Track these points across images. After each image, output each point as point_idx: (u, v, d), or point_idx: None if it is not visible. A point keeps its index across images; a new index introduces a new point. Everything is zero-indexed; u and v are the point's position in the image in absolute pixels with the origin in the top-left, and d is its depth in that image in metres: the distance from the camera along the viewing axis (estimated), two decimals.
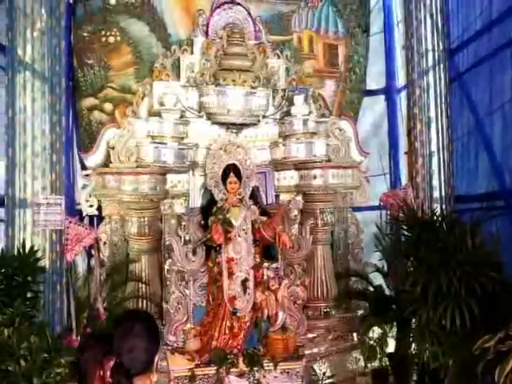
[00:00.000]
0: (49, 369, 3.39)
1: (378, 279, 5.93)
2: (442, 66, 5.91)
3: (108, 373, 1.91)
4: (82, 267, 5.62)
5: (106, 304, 5.30)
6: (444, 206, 5.58)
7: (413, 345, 4.62)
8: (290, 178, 6.43)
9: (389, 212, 5.89)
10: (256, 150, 6.30)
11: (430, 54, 6.01)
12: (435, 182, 5.82)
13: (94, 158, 5.98)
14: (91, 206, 5.96)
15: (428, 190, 5.83)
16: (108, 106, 6.51)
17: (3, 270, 4.00)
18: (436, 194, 5.82)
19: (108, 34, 6.57)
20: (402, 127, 7.12)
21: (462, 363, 3.98)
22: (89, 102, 6.51)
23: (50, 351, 3.49)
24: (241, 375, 4.98)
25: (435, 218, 4.89)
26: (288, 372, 5.13)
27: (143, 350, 1.98)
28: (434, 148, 5.91)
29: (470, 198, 5.53)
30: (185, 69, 6.31)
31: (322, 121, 6.42)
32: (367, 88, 7.61)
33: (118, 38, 6.58)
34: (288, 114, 6.35)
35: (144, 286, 5.77)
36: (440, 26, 5.92)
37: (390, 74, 7.70)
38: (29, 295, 4.03)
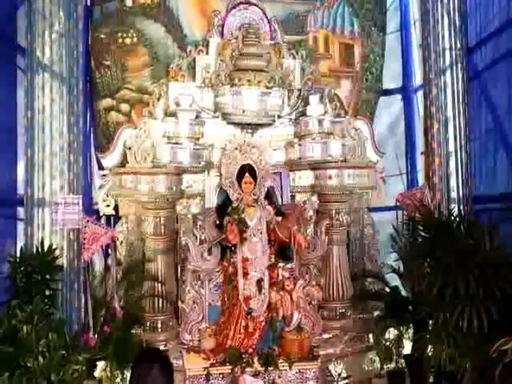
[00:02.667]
0: (66, 365, 3.43)
1: (394, 280, 5.90)
2: (459, 64, 5.86)
3: None
4: (98, 266, 5.66)
5: (122, 303, 5.34)
6: (462, 207, 5.54)
7: (429, 347, 4.57)
8: (305, 178, 6.41)
9: (405, 212, 5.85)
10: (271, 150, 6.29)
11: (448, 53, 5.96)
12: (453, 183, 5.77)
13: (111, 158, 6.02)
14: (108, 205, 5.99)
15: (445, 191, 5.78)
16: (125, 107, 6.57)
17: (22, 268, 4.06)
18: (453, 194, 5.77)
19: (125, 35, 6.63)
20: (419, 127, 7.07)
21: (480, 366, 3.94)
22: (106, 102, 6.58)
23: (68, 348, 3.53)
24: (256, 375, 4.97)
25: (452, 218, 4.86)
26: (303, 372, 5.12)
27: None
28: (451, 148, 5.87)
29: (489, 199, 5.48)
30: (200, 69, 6.34)
31: (338, 121, 6.38)
32: (383, 87, 7.57)
33: (135, 40, 6.64)
34: (303, 114, 6.34)
35: (160, 285, 5.79)
36: (457, 24, 5.88)
37: (406, 73, 7.65)
38: (47, 293, 4.09)
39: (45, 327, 3.53)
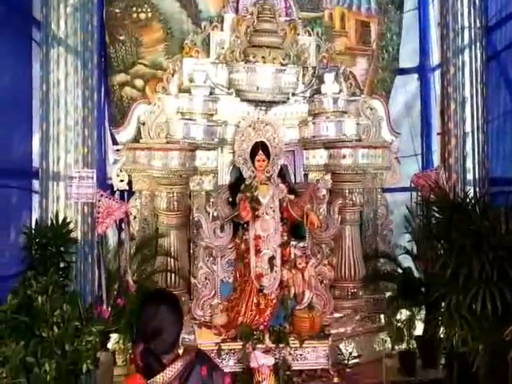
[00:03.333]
0: (80, 336, 3.46)
1: (406, 261, 5.88)
2: (478, 44, 5.74)
3: (138, 357, 2.02)
4: (112, 240, 5.69)
5: (135, 277, 5.39)
6: (477, 189, 5.45)
7: (441, 328, 4.56)
8: (319, 157, 6.38)
9: (420, 193, 5.81)
10: (285, 128, 6.26)
11: (466, 32, 5.84)
12: (469, 164, 5.69)
13: (125, 134, 6.03)
14: (122, 180, 6.01)
15: (461, 172, 5.70)
16: (139, 82, 6.54)
17: (37, 240, 4.09)
18: (469, 176, 5.69)
19: (139, 10, 6.57)
20: (436, 107, 6.98)
21: (492, 348, 3.93)
22: (120, 77, 6.55)
23: (82, 320, 3.57)
24: (267, 351, 5.01)
25: (468, 200, 4.80)
26: (314, 350, 5.16)
27: (168, 333, 2.06)
28: (468, 129, 5.78)
29: (505, 181, 5.42)
30: (215, 45, 6.30)
31: (353, 99, 6.33)
32: (400, 66, 7.46)
33: (149, 15, 6.58)
34: (318, 92, 6.29)
35: (173, 260, 5.83)
36: (477, 2, 5.74)
37: (423, 52, 7.51)
38: (61, 265, 4.12)
39: (59, 298, 3.56)
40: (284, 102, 6.30)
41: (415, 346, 5.41)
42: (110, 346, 5.30)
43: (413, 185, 5.95)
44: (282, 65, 6.04)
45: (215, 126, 6.04)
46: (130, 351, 5.11)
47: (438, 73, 6.89)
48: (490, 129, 5.74)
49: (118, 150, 6.05)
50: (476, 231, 4.34)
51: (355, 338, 5.63)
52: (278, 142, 5.88)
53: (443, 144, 6.20)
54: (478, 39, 5.77)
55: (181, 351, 2.14)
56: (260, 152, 5.69)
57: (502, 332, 3.85)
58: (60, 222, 4.31)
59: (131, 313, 4.94)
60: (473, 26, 5.80)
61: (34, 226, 4.31)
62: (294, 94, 6.30)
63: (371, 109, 6.38)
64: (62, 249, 4.17)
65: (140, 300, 4.94)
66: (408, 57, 7.56)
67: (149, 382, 1.95)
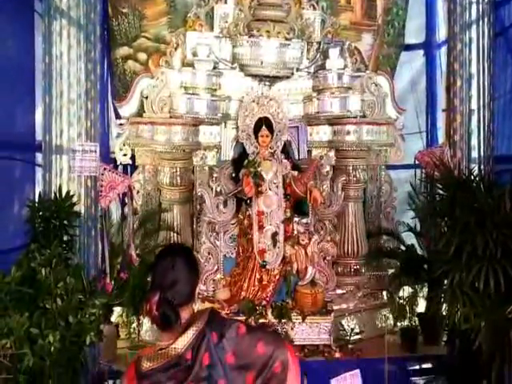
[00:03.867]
0: (84, 309, 3.48)
1: (409, 239, 5.89)
2: (486, 19, 5.67)
3: (154, 307, 1.96)
4: (115, 214, 5.70)
5: (138, 251, 5.41)
6: (482, 167, 5.43)
7: (444, 305, 4.58)
8: (322, 133, 6.32)
9: (424, 171, 5.79)
10: (289, 103, 6.19)
11: (474, 7, 5.77)
12: (474, 142, 5.67)
13: (128, 108, 5.97)
14: (125, 154, 5.98)
15: (466, 150, 5.68)
16: (142, 56, 6.46)
17: (41, 213, 4.09)
18: (474, 153, 5.68)
19: None
20: (441, 84, 6.90)
21: (495, 326, 3.95)
22: (123, 51, 6.46)
23: (85, 293, 3.59)
24: (269, 326, 5.04)
25: (472, 178, 4.78)
26: (316, 326, 5.19)
27: (184, 284, 2.02)
28: (474, 106, 5.74)
29: (510, 159, 5.40)
30: (218, 19, 6.19)
31: (358, 75, 6.25)
32: (406, 42, 7.36)
33: None
34: (322, 67, 6.20)
35: (175, 235, 5.82)
36: None
37: (430, 27, 7.42)
38: (65, 238, 4.14)
39: (63, 271, 3.58)
40: (288, 78, 6.22)
41: (417, 322, 5.45)
42: (113, 319, 5.35)
43: (417, 162, 5.93)
44: (287, 39, 5.94)
45: (219, 101, 5.98)
46: (134, 324, 5.17)
47: (444, 49, 6.82)
48: (496, 106, 5.71)
49: (121, 124, 6.00)
50: (480, 209, 4.34)
51: (357, 315, 5.66)
52: (282, 117, 5.84)
53: (448, 121, 6.17)
54: (486, 14, 5.70)
55: (196, 307, 2.13)
56: (263, 127, 5.65)
57: (504, 309, 3.87)
58: (63, 195, 4.31)
59: (134, 286, 4.97)
60: (480, 0, 5.73)
61: (37, 199, 4.31)
62: (298, 70, 6.21)
63: (376, 85, 6.31)
64: (65, 222, 4.18)
65: (144, 273, 5.01)
66: (414, 32, 7.46)
67: (160, 352, 1.93)
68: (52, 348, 3.15)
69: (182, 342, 1.92)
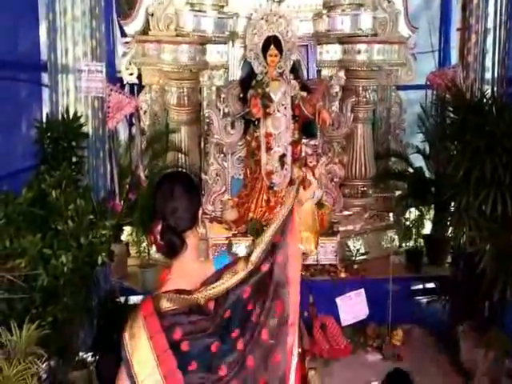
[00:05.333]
0: (94, 230, 3.53)
1: (418, 161, 5.87)
2: None
3: (158, 236, 1.97)
4: (123, 135, 5.70)
5: (147, 172, 5.44)
6: (495, 89, 5.30)
7: (450, 228, 4.62)
8: (333, 52, 6.15)
9: (435, 92, 5.67)
10: (298, 21, 5.99)
11: None
12: (488, 62, 5.49)
13: (134, 25, 5.84)
14: (131, 74, 5.90)
15: (479, 71, 5.52)
16: None
17: (49, 134, 4.07)
18: (488, 75, 5.52)
19: None
20: (457, 1, 6.64)
21: (500, 250, 3.98)
22: None
23: (96, 214, 3.63)
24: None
25: (485, 100, 4.68)
26: (322, 246, 5.28)
27: (185, 210, 2.01)
28: (490, 24, 5.52)
29: None
30: None
31: None
32: None
33: None
34: None
35: (183, 156, 5.85)
36: None
37: None
38: (74, 160, 4.13)
39: (73, 193, 3.59)
40: None
41: (422, 244, 5.53)
42: (123, 237, 5.47)
43: (428, 83, 5.80)
44: None
45: (226, 19, 5.80)
46: (144, 243, 5.28)
47: None
48: None
49: (126, 43, 5.88)
50: (491, 132, 4.27)
51: (363, 236, 5.75)
52: (291, 35, 5.67)
53: (462, 40, 5.97)
54: None
55: (201, 231, 2.14)
56: (272, 47, 5.50)
57: (510, 234, 3.90)
58: (71, 116, 4.27)
59: (143, 207, 5.03)
60: None
61: (44, 120, 4.28)
62: None
63: (388, 1, 6.09)
64: (73, 143, 4.16)
65: (152, 194, 5.06)
66: None
67: (182, 297, 1.89)
68: (65, 268, 3.23)
69: (204, 294, 1.91)
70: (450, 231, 4.65)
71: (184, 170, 5.30)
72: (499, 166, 4.06)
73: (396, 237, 5.78)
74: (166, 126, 5.97)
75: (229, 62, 6.02)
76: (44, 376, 3.34)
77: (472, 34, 5.69)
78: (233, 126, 5.59)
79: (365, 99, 6.06)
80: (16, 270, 2.98)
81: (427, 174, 5.65)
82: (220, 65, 6.01)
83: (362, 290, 4.92)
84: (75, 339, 3.80)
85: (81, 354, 3.97)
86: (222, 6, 5.81)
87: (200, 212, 2.08)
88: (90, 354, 4.02)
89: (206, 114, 5.75)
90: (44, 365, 3.04)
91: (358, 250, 5.48)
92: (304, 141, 5.72)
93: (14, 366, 2.52)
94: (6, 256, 3.02)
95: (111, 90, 4.78)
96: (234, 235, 5.27)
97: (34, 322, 2.88)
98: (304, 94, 5.64)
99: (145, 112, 5.94)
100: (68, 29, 4.54)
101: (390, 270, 4.76)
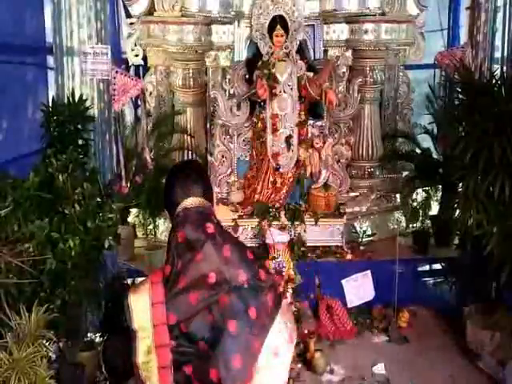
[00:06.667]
0: (101, 213, 3.55)
1: (425, 142, 5.83)
2: None
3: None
4: (129, 118, 5.68)
5: (153, 154, 5.43)
6: (505, 69, 5.24)
7: (457, 210, 4.60)
8: (339, 31, 6.06)
9: (443, 72, 5.61)
10: (305, 0, 5.92)
11: None
12: (498, 42, 5.42)
13: (139, 6, 5.76)
14: (137, 55, 5.85)
15: (489, 50, 5.46)
16: None
17: (55, 117, 4.07)
18: (497, 54, 5.45)
19: None
20: None
21: (507, 232, 3.98)
22: None
23: (102, 197, 3.64)
24: (282, 228, 5.14)
25: (494, 81, 4.63)
26: (329, 228, 5.28)
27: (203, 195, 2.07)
28: (499, 3, 5.45)
29: None
30: None
31: None
32: None
33: None
34: None
35: (189, 138, 5.83)
36: None
37: None
38: (80, 143, 4.13)
39: (79, 176, 3.61)
40: None
41: (429, 225, 5.51)
42: (130, 219, 5.49)
43: (437, 63, 5.73)
44: None
45: None
46: (150, 226, 5.29)
47: None
48: None
49: (131, 24, 5.83)
50: (500, 114, 4.23)
51: (370, 217, 5.74)
52: (297, 15, 5.58)
53: (472, 19, 5.91)
54: None
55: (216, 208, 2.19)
56: (278, 27, 5.43)
57: None
58: (76, 99, 4.26)
59: (149, 189, 5.04)
60: None
61: (50, 103, 4.27)
62: None
63: None
64: (79, 126, 4.16)
65: (159, 176, 5.06)
66: None
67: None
68: (73, 252, 3.25)
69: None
70: (457, 213, 4.63)
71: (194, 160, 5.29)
72: (508, 148, 4.03)
73: (403, 218, 5.76)
74: (171, 107, 5.94)
75: (234, 43, 5.95)
76: (53, 357, 3.38)
77: (481, 13, 5.63)
78: (239, 108, 5.56)
79: (372, 79, 6.01)
80: (24, 255, 2.99)
81: (434, 154, 5.61)
82: (225, 45, 5.95)
83: (369, 272, 4.93)
84: (83, 321, 3.84)
85: (89, 335, 4.01)
86: None
87: (214, 197, 2.17)
88: (98, 335, 4.07)
89: (212, 96, 5.71)
90: (53, 347, 3.08)
91: (364, 232, 5.48)
92: (310, 122, 5.67)
93: (24, 349, 2.54)
94: (16, 241, 3.03)
95: (116, 72, 4.77)
96: (240, 217, 5.28)
97: (43, 305, 2.89)
98: (310, 74, 5.58)
99: (150, 94, 5.91)
100: (73, 11, 4.53)
101: (397, 251, 4.76)
